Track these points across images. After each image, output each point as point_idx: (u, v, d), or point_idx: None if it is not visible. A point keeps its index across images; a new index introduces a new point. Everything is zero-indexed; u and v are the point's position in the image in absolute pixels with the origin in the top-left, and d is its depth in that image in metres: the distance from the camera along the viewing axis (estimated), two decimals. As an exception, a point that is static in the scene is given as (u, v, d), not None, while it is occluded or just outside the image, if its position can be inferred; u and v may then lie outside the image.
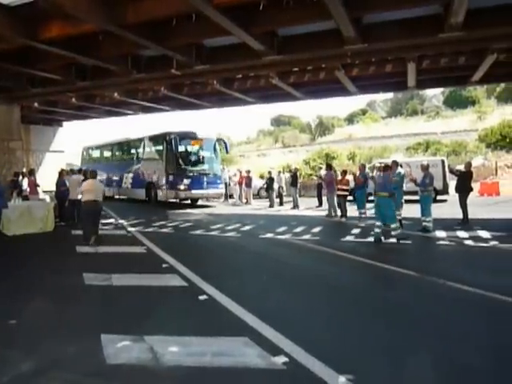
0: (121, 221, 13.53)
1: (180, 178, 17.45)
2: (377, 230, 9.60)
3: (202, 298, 5.43)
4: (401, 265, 7.14)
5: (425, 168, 11.13)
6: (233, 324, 4.53)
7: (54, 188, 13.20)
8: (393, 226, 9.55)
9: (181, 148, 18.06)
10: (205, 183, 18.02)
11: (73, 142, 31.78)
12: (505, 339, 4.16)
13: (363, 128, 45.72)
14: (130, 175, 21.11)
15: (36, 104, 17.26)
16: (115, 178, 22.38)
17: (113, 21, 7.79)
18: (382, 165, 13.44)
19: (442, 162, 18.45)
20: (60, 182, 12.59)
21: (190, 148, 18.74)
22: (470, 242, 9.33)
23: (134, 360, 3.69)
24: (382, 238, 9.55)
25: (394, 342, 4.12)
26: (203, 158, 18.59)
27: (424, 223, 10.71)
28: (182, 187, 17.38)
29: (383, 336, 4.27)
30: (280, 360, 3.64)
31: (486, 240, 9.47)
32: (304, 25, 8.98)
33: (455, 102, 45.16)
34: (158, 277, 6.54)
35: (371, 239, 9.90)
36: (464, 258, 8.36)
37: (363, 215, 12.96)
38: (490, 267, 7.40)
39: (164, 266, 7.25)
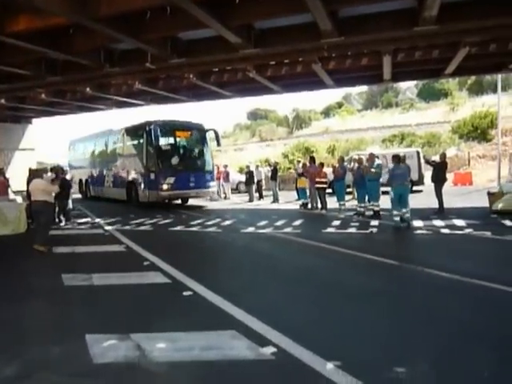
0: (97, 219, 13.30)
1: (162, 176, 14.90)
2: (396, 219, 10.26)
3: (186, 294, 5.39)
4: (381, 254, 7.29)
5: (397, 159, 11.31)
6: (220, 318, 4.52)
7: (24, 188, 12.84)
8: (406, 210, 10.20)
9: (163, 140, 15.85)
10: (192, 182, 15.53)
11: (45, 139, 30.74)
12: (479, 318, 4.37)
13: (339, 121, 46.11)
14: (111, 173, 18.69)
15: (3, 100, 16.66)
16: (98, 175, 20.11)
17: (85, 14, 7.58)
18: (358, 157, 13.74)
19: (417, 153, 18.86)
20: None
21: (174, 140, 16.50)
22: (446, 231, 9.60)
23: (122, 358, 3.64)
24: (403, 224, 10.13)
25: (378, 328, 4.21)
26: (191, 151, 16.44)
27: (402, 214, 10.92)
28: (164, 187, 14.85)
29: (367, 323, 4.36)
30: (268, 351, 3.67)
31: (461, 228, 9.76)
32: (281, 18, 8.96)
33: (428, 95, 45.97)
34: (140, 275, 6.44)
35: (352, 230, 10.07)
36: (441, 245, 8.58)
37: (343, 207, 13.13)
38: (466, 254, 7.63)
39: (145, 263, 7.15)
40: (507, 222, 10.02)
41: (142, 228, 11.35)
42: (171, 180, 15.01)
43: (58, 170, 11.41)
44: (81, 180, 21.97)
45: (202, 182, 15.96)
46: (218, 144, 17.29)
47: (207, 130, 16.83)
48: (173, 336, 4.07)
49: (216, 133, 16.81)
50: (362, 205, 12.38)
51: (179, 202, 17.61)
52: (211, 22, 8.26)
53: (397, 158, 10.62)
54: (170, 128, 15.97)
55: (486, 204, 12.36)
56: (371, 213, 11.97)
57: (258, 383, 3.28)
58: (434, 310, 4.70)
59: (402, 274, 6.28)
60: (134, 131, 16.86)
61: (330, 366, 3.37)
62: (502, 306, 4.76)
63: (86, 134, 22.76)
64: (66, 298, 5.52)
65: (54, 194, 9.24)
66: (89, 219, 13.58)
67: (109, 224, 12.09)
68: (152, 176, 15.18)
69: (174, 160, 15.33)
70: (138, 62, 11.14)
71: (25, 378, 3.41)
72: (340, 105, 55.89)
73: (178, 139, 16.52)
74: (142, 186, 15.70)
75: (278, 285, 5.93)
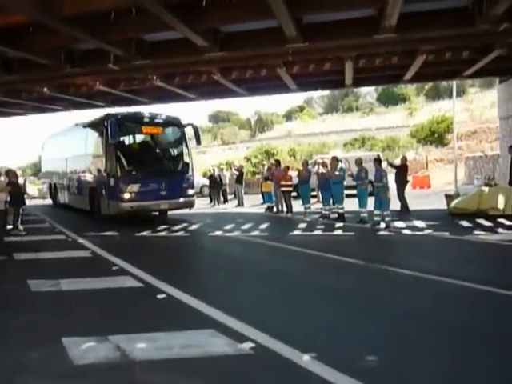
0: (57, 225, 12.94)
1: (123, 183, 11.93)
2: (376, 219, 10.72)
3: (160, 296, 5.41)
4: (348, 255, 7.54)
5: (359, 163, 11.76)
6: (196, 318, 4.58)
7: None
8: (386, 212, 10.48)
9: (125, 137, 13.02)
10: (164, 190, 12.35)
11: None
12: (440, 310, 4.70)
13: (301, 124, 46.85)
14: (76, 177, 15.74)
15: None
16: (65, 180, 17.06)
17: (48, 12, 7.37)
18: (323, 160, 14.09)
19: (378, 156, 19.43)
20: None
21: (139, 137, 13.83)
22: (407, 232, 10.03)
23: (103, 359, 3.65)
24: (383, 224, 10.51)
25: (349, 323, 4.43)
26: (163, 151, 13.40)
27: (362, 215, 11.34)
28: (125, 196, 11.83)
29: (339, 318, 4.58)
30: (247, 346, 3.78)
31: (421, 229, 10.22)
32: (247, 22, 9.09)
33: (388, 99, 47.53)
34: (109, 279, 6.37)
35: (318, 232, 10.33)
36: (404, 245, 8.99)
37: (308, 210, 13.39)
38: (427, 253, 8.04)
39: (114, 268, 7.07)
40: (464, 223, 10.56)
41: (108, 233, 11.09)
42: (134, 188, 11.95)
43: (9, 174, 11.01)
44: (50, 185, 19.84)
45: (177, 189, 12.67)
46: (198, 142, 13.79)
47: (184, 126, 13.79)
48: (152, 336, 4.09)
49: (195, 128, 13.56)
50: (327, 207, 12.68)
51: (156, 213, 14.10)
52: (178, 24, 8.26)
53: (378, 161, 11.08)
54: (134, 122, 12.97)
55: (444, 206, 12.99)
56: (336, 215, 12.28)
57: (238, 376, 3.37)
58: (400, 304, 4.98)
59: (368, 273, 6.53)
60: (94, 126, 14.08)
61: (306, 357, 3.52)
62: (459, 299, 5.13)
63: (58, 129, 19.89)
64: (36, 304, 5.42)
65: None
66: (47, 225, 13.21)
67: (71, 230, 11.75)
68: (112, 182, 12.12)
69: (139, 162, 12.43)
70: (101, 63, 10.91)
71: (5, 383, 3.34)
72: (302, 108, 56.77)
73: (145, 136, 13.76)
74: (104, 194, 12.64)
75: (250, 285, 6.05)
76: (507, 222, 10.30)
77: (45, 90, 13.49)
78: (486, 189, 11.67)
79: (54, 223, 13.60)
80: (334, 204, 12.53)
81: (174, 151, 13.75)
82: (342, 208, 12.11)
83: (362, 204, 11.37)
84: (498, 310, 4.67)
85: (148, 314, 4.85)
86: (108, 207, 12.37)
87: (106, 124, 12.02)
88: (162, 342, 3.96)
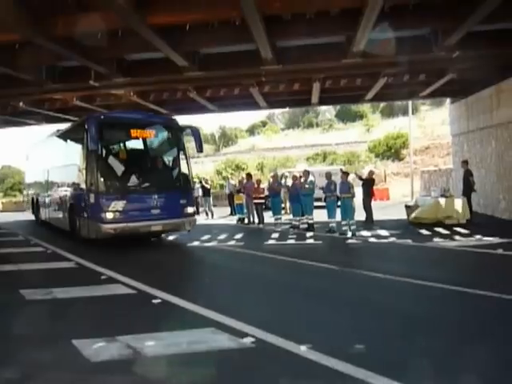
0: (30, 237, 12.86)
1: (105, 199, 9.76)
2: (344, 228, 11.47)
3: (155, 301, 5.71)
4: (322, 261, 8.15)
5: (329, 176, 12.57)
6: (195, 319, 4.95)
7: None
8: (352, 222, 11.32)
9: (108, 143, 10.66)
10: (156, 207, 10.11)
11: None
12: (407, 306, 5.34)
13: (265, 139, 47.84)
14: (55, 191, 13.65)
15: None
16: (46, 194, 14.84)
17: (41, 32, 7.73)
18: (293, 174, 14.80)
19: (341, 170, 20.40)
20: None
21: (126, 142, 11.41)
22: (373, 240, 10.81)
23: (117, 356, 3.95)
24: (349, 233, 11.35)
25: (334, 319, 4.96)
26: (154, 159, 11.07)
27: (331, 225, 12.09)
28: (107, 216, 9.67)
29: (323, 314, 5.13)
30: (248, 340, 4.20)
31: (385, 237, 11.04)
32: (227, 46, 9.70)
33: (346, 116, 49.38)
34: (102, 287, 6.61)
35: (291, 241, 10.93)
36: (371, 252, 9.72)
37: (279, 221, 14.00)
38: (394, 258, 8.80)
39: (103, 277, 7.28)
40: (424, 231, 11.49)
41: (88, 244, 11.12)
42: (119, 205, 9.72)
43: None
44: (32, 199, 17.53)
45: (173, 207, 10.31)
46: (200, 149, 11.07)
47: (182, 129, 11.38)
48: (158, 335, 4.44)
49: (195, 132, 11.08)
50: (297, 218, 13.35)
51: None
52: (163, 46, 8.75)
53: (347, 174, 11.90)
54: (121, 124, 10.63)
55: (404, 216, 13.97)
56: (305, 226, 12.95)
57: (247, 365, 3.81)
58: (376, 302, 5.58)
59: (343, 276, 7.15)
60: (73, 132, 12.22)
61: (303, 348, 4.00)
62: (426, 296, 5.81)
63: (43, 136, 17.27)
64: (34, 311, 5.57)
65: None
66: (21, 237, 13.09)
67: (48, 242, 11.72)
68: (92, 198, 9.94)
69: (125, 173, 10.05)
70: (81, 79, 11.21)
71: (30, 378, 3.63)
72: (264, 123, 57.86)
73: (134, 141, 11.19)
74: (83, 213, 10.56)
75: (238, 289, 6.50)
76: (462, 230, 11.31)
77: (20, 104, 13.50)
78: (443, 200, 12.71)
79: (27, 236, 13.46)
80: (303, 215, 13.22)
81: (170, 159, 11.38)
82: (312, 219, 12.79)
83: (331, 215, 12.10)
84: (459, 305, 5.41)
85: (148, 317, 5.19)
86: (88, 229, 10.26)
87: (85, 127, 9.95)
88: (168, 340, 4.32)
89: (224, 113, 17.95)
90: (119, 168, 10.18)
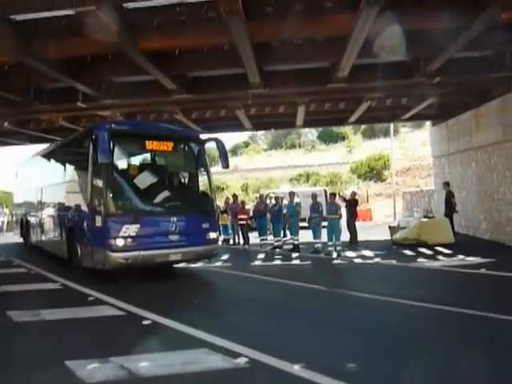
0: (12, 258, 12.63)
1: (115, 223, 8.12)
2: (330, 249, 11.64)
3: (146, 322, 5.70)
4: (308, 281, 8.25)
5: (315, 197, 12.78)
6: (186, 340, 4.96)
7: None
8: (338, 242, 11.61)
9: (119, 156, 8.93)
10: (175, 233, 8.51)
11: None
12: (393, 326, 5.49)
13: (247, 159, 48.14)
14: (50, 212, 11.87)
15: None
16: (38, 215, 13.15)
17: (32, 55, 7.84)
18: (275, 195, 14.97)
19: (325, 191, 20.75)
20: None
21: (141, 156, 10.13)
22: (358, 260, 10.97)
23: (112, 377, 3.95)
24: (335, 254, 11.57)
25: (324, 339, 5.04)
26: (173, 177, 9.43)
27: (316, 245, 12.24)
28: (117, 242, 8.04)
29: (313, 334, 5.22)
30: (242, 360, 4.24)
31: (370, 258, 11.21)
32: (215, 70, 9.94)
33: (327, 137, 50.11)
34: (90, 309, 6.52)
35: (277, 262, 11.01)
36: (357, 272, 9.86)
37: (264, 241, 14.09)
38: (379, 278, 8.95)
39: (90, 299, 7.20)
40: (407, 252, 11.72)
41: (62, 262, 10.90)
42: (132, 229, 8.12)
43: None
44: (22, 221, 15.65)
45: (194, 232, 8.82)
46: (225, 165, 9.63)
47: (204, 142, 9.87)
48: (151, 356, 4.45)
49: (220, 145, 9.54)
50: (279, 239, 13.54)
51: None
52: (153, 70, 8.93)
53: (334, 195, 12.13)
54: (133, 135, 9.03)
55: (387, 237, 14.21)
56: (291, 246, 13.08)
57: (243, 383, 3.87)
58: (363, 321, 5.69)
59: (332, 297, 7.27)
60: (75, 144, 10.48)
61: (296, 367, 4.06)
62: (412, 315, 5.96)
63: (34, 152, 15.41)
64: (24, 333, 5.52)
65: None
66: (2, 258, 12.86)
67: (31, 263, 11.52)
68: (98, 221, 8.25)
69: (139, 192, 8.58)
70: (69, 101, 11.30)
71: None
72: (247, 144, 58.29)
73: (149, 155, 9.84)
74: (87, 238, 8.86)
75: (228, 310, 6.54)
76: (445, 250, 11.58)
77: (5, 124, 13.44)
78: (426, 220, 13.00)
79: (9, 256, 13.21)
80: (284, 236, 13.50)
81: (190, 177, 9.92)
82: (298, 239, 12.92)
83: (317, 235, 12.25)
84: (445, 323, 5.55)
85: (139, 338, 5.14)
86: (92, 257, 8.53)
87: (93, 137, 8.31)
88: (162, 361, 4.33)
89: (209, 134, 18.04)
90: (131, 186, 8.61)
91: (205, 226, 8.97)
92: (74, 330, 5.57)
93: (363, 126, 50.34)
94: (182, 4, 7.57)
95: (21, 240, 16.33)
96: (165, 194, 8.89)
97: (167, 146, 9.13)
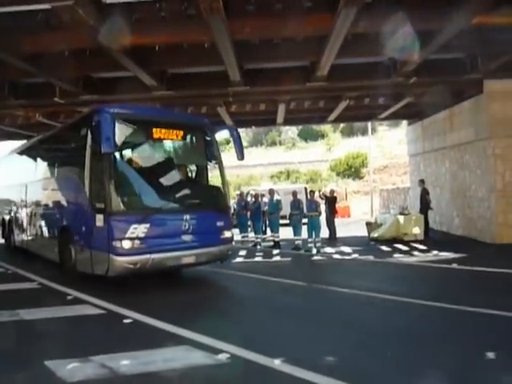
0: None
1: (121, 222, 7.06)
2: (309, 245, 11.78)
3: (127, 321, 5.67)
4: (289, 277, 8.35)
5: (295, 195, 12.90)
6: (168, 338, 4.96)
7: None
8: (318, 239, 11.70)
9: (124, 145, 7.70)
10: (187, 233, 7.51)
11: None
12: (371, 319, 5.59)
13: (228, 157, 47.91)
14: (39, 211, 10.52)
15: None
16: (24, 214, 11.71)
17: (7, 50, 7.68)
18: (255, 192, 15.05)
19: (305, 188, 20.97)
20: None
21: (147, 146, 8.58)
22: (337, 256, 11.16)
23: (93, 376, 3.94)
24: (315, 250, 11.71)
25: (304, 333, 5.14)
26: (183, 169, 8.64)
27: (296, 242, 12.38)
28: (124, 244, 6.98)
29: (294, 328, 5.30)
30: (224, 357, 4.30)
31: (348, 254, 11.41)
32: (196, 67, 9.93)
33: (307, 135, 50.41)
34: (69, 308, 6.45)
35: (259, 259, 11.10)
36: (336, 268, 10.03)
37: (246, 238, 14.16)
38: (358, 274, 9.13)
39: (68, 298, 7.12)
40: (384, 248, 11.98)
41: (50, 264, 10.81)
42: (141, 229, 7.07)
43: None
44: (3, 220, 14.01)
45: (209, 231, 7.88)
46: (241, 156, 8.67)
47: (217, 130, 9.12)
48: (132, 354, 4.45)
49: (235, 134, 8.72)
50: (259, 236, 13.65)
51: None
52: (132, 66, 8.86)
53: (313, 193, 12.28)
54: (141, 121, 7.71)
55: (365, 233, 14.47)
56: (271, 243, 13.18)
57: (225, 379, 3.92)
58: (342, 316, 5.83)
59: (311, 292, 7.38)
60: (70, 131, 9.21)
61: (277, 361, 4.14)
62: (389, 309, 6.13)
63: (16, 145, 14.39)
64: (2, 333, 5.46)
65: None
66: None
67: (9, 263, 11.26)
68: (99, 220, 7.21)
69: (147, 187, 7.54)
70: (46, 96, 11.10)
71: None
72: (227, 141, 58.00)
73: (157, 144, 8.48)
74: (82, 239, 7.84)
75: (207, 306, 6.54)
76: (420, 246, 11.90)
77: (-22, 120, 13.11)
78: (402, 217, 13.29)
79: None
80: (264, 233, 13.62)
81: (202, 169, 9.02)
82: (278, 236, 13.03)
83: (297, 232, 12.39)
84: (420, 316, 5.73)
85: (120, 337, 5.16)
86: (91, 262, 7.49)
87: (93, 123, 7.34)
88: (144, 359, 4.34)
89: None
90: (138, 179, 7.60)
91: (219, 223, 8.07)
92: (53, 330, 5.52)
93: (342, 125, 51.09)
94: (161, 0, 7.54)
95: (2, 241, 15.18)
96: (176, 188, 7.99)
97: (178, 134, 8.11)
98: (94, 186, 7.46)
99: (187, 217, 7.49)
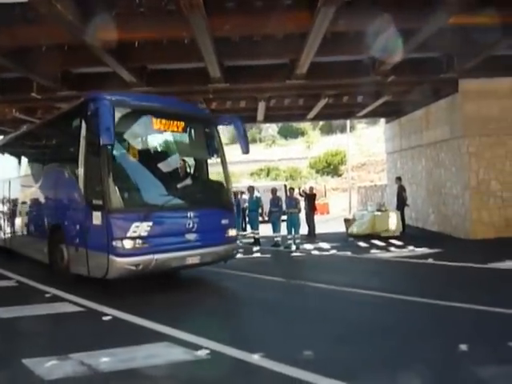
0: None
1: (122, 219, 6.53)
2: (289, 242, 11.92)
3: (106, 318, 5.65)
4: (269, 273, 8.47)
5: (275, 192, 13.02)
6: (148, 334, 4.98)
7: None
8: (297, 236, 11.91)
9: (124, 136, 7.13)
10: (192, 232, 7.02)
11: None
12: (349, 314, 5.72)
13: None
14: (26, 208, 9.73)
15: None
16: (10, 211, 10.84)
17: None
18: (236, 189, 15.10)
19: (285, 185, 21.12)
20: None
21: (148, 138, 8.18)
22: (316, 252, 11.33)
23: (72, 373, 3.92)
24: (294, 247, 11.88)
25: (283, 326, 5.23)
26: (185, 164, 8.16)
27: (276, 239, 12.49)
28: (126, 244, 6.44)
29: (273, 324, 5.38)
30: (203, 353, 4.33)
31: (327, 250, 11.60)
32: (175, 63, 9.88)
33: (287, 132, 50.69)
34: (47, 306, 6.38)
35: (239, 255, 11.06)
36: (315, 264, 10.18)
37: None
38: (335, 269, 9.30)
39: (47, 295, 7.04)
40: (361, 244, 12.20)
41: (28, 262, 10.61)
42: (143, 228, 6.55)
43: None
44: None
45: (213, 230, 7.40)
46: (246, 150, 8.09)
47: (219, 122, 8.52)
48: (112, 351, 4.43)
49: (239, 126, 8.05)
50: (239, 233, 13.69)
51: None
52: (111, 62, 8.77)
53: (293, 190, 12.36)
54: (142, 111, 7.16)
55: (343, 229, 14.70)
56: (251, 240, 13.26)
57: (205, 375, 3.95)
58: (320, 311, 5.94)
59: (290, 288, 7.50)
60: (62, 122, 8.51)
61: (256, 356, 4.20)
62: (366, 303, 6.26)
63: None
64: (-22, 332, 5.38)
65: None
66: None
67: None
68: (97, 218, 6.67)
69: (148, 182, 7.09)
70: (23, 92, 10.88)
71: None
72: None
73: (158, 136, 8.12)
74: (77, 238, 7.23)
75: (187, 302, 6.55)
76: (397, 242, 12.17)
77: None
78: (379, 213, 13.54)
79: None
80: (244, 230, 13.68)
81: (205, 164, 8.57)
82: (258, 233, 13.12)
83: (276, 229, 12.50)
84: (396, 310, 5.89)
85: (100, 334, 5.14)
86: (87, 263, 6.94)
87: (88, 112, 6.80)
88: (123, 356, 4.33)
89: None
90: (142, 174, 7.11)
91: (224, 221, 7.59)
92: (31, 328, 5.44)
93: (321, 122, 51.52)
94: (141, -5, 7.49)
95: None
96: (180, 183, 7.61)
97: (182, 125, 7.55)
98: (89, 182, 6.89)
99: (191, 214, 7.01)
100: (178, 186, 7.50)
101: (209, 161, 8.47)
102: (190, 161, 8.33)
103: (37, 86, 10.58)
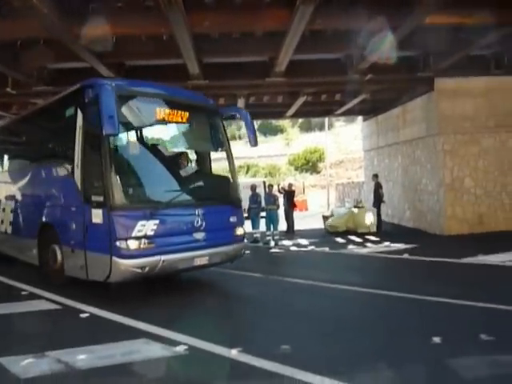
0: None
1: (126, 218, 5.93)
2: (268, 238, 12.11)
3: (83, 315, 5.61)
4: (248, 269, 8.45)
5: (254, 189, 13.09)
6: (126, 331, 4.96)
7: None
8: (276, 232, 12.09)
9: (129, 126, 6.40)
10: (199, 231, 6.46)
11: None
12: (327, 308, 5.84)
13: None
14: (11, 205, 8.91)
15: None
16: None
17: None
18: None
19: (264, 182, 21.31)
20: None
21: (154, 128, 7.73)
22: (294, 248, 11.45)
23: (48, 371, 3.87)
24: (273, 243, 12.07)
25: (261, 321, 5.32)
26: (193, 158, 7.84)
27: (255, 235, 12.58)
28: (131, 244, 5.85)
29: (251, 318, 5.49)
30: (181, 348, 4.35)
31: (305, 246, 11.74)
32: (154, 59, 9.81)
33: (267, 129, 50.80)
34: (24, 304, 6.29)
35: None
36: (293, 260, 10.30)
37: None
38: (313, 265, 9.45)
39: (23, 293, 6.94)
40: (339, 239, 12.41)
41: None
42: (149, 226, 6.02)
43: None
44: None
45: (222, 228, 6.92)
46: (254, 142, 7.47)
47: (227, 112, 8.06)
48: (89, 349, 4.40)
49: (246, 117, 7.46)
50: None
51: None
52: (88, 57, 8.65)
53: (271, 187, 12.53)
54: (146, 99, 6.51)
55: (321, 225, 14.88)
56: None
57: (183, 370, 3.99)
58: (298, 306, 6.00)
59: (269, 283, 7.57)
60: (53, 111, 7.83)
61: (234, 351, 4.25)
62: (344, 298, 6.42)
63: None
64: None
65: None
66: None
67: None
68: (97, 216, 6.08)
69: (153, 177, 6.64)
70: (-4, 86, 10.63)
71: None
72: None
73: (163, 127, 7.44)
74: (73, 238, 6.63)
75: (165, 298, 6.54)
76: (373, 238, 12.41)
77: None
78: (356, 210, 13.76)
79: None
80: None
81: (210, 159, 8.06)
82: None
83: (255, 225, 12.58)
84: (373, 304, 6.01)
85: (77, 331, 5.10)
86: (85, 265, 6.37)
87: (86, 100, 6.21)
88: (100, 353, 4.31)
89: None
90: (146, 169, 6.59)
91: (232, 219, 7.12)
92: (6, 326, 5.37)
93: (300, 120, 51.81)
94: (118, -10, 7.42)
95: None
96: (188, 178, 7.09)
97: (184, 115, 6.83)
98: (88, 176, 6.28)
99: (200, 211, 6.47)
100: (185, 180, 6.97)
101: (214, 154, 8.00)
102: (199, 154, 7.87)
103: (12, 81, 10.34)
